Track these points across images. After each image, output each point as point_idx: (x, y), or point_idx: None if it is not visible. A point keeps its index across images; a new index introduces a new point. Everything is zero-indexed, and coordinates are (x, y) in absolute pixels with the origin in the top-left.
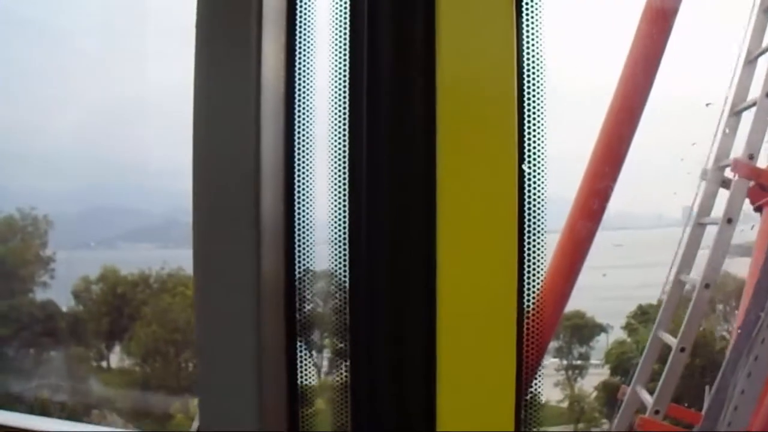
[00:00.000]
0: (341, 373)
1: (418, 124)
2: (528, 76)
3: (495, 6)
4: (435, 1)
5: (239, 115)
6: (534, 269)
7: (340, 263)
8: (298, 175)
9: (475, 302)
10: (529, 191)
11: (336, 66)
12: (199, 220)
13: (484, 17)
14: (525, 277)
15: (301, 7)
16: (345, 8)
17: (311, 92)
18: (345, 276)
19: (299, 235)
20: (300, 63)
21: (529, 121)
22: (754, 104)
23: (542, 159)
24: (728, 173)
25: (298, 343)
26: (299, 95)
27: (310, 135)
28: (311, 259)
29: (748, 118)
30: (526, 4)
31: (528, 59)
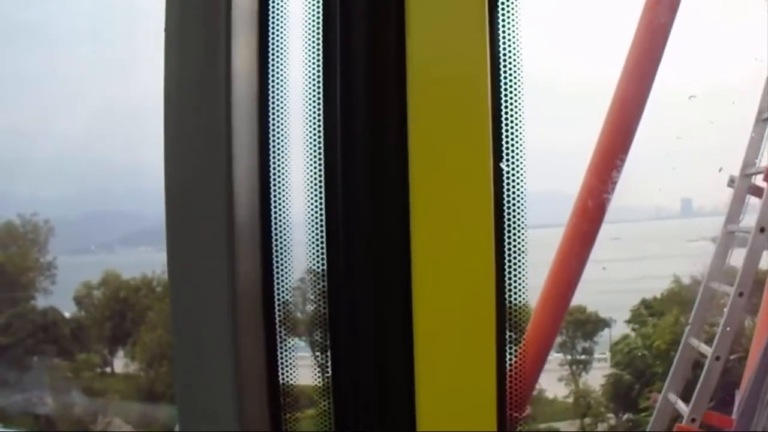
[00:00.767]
0: (323, 374)
1: (392, 122)
2: (504, 71)
3: (466, 2)
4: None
5: (210, 117)
6: (513, 267)
7: (318, 263)
8: (274, 176)
9: (451, 301)
10: (507, 188)
11: (309, 66)
12: (172, 223)
13: (456, 13)
14: (504, 276)
15: (273, 7)
16: (318, 8)
17: (285, 93)
18: (323, 276)
19: (276, 235)
20: (273, 64)
21: (505, 117)
22: None
23: (520, 156)
24: (758, 181)
25: (279, 345)
26: (273, 96)
27: (285, 135)
28: (289, 260)
29: None
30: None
31: (504, 54)
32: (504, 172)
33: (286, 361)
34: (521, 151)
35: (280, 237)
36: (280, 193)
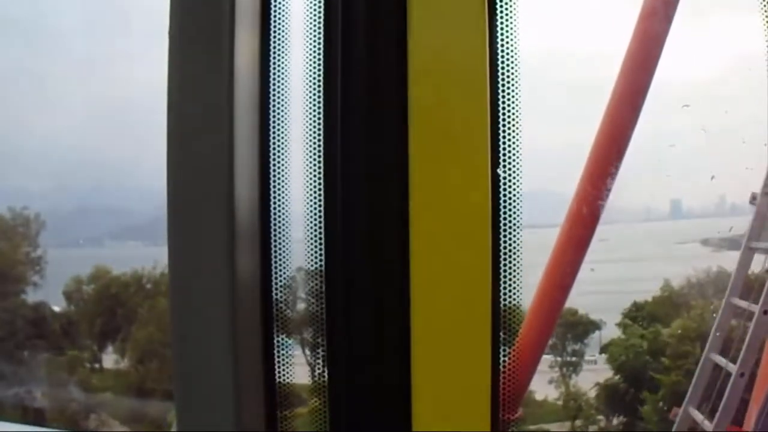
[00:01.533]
0: (320, 374)
1: (392, 122)
2: (502, 73)
3: (466, 4)
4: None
5: (212, 114)
6: (508, 269)
7: (316, 262)
8: (274, 175)
9: (447, 302)
10: (504, 190)
11: (311, 63)
12: (173, 219)
13: (456, 15)
14: (499, 277)
15: (275, 4)
16: (319, 5)
17: (286, 90)
18: (321, 275)
19: (275, 233)
20: (275, 61)
21: (503, 120)
22: None
23: (517, 158)
24: None
25: (276, 345)
26: (274, 93)
27: (286, 133)
28: (288, 259)
29: None
30: (500, 2)
31: (502, 50)
32: (501, 176)
33: (283, 360)
34: (518, 153)
35: (279, 236)
36: (279, 192)
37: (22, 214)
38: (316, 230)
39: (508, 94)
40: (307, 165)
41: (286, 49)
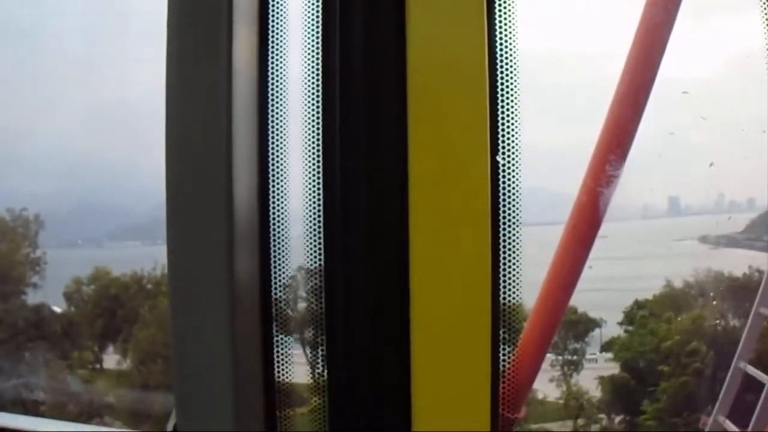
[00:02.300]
0: (319, 373)
1: (391, 117)
2: (501, 68)
3: (465, 1)
4: None
5: (211, 113)
6: (509, 267)
7: (315, 260)
8: (273, 173)
9: (447, 300)
10: (503, 183)
11: (309, 62)
12: (172, 219)
13: (454, 11)
14: (499, 275)
15: (273, 5)
16: (317, 5)
17: (285, 89)
18: (321, 273)
19: (275, 231)
20: (273, 60)
21: (502, 112)
22: None
23: (517, 150)
24: None
25: (275, 344)
26: (273, 92)
27: (284, 130)
28: (287, 257)
29: None
30: None
31: (501, 49)
32: (500, 170)
33: (283, 359)
34: (517, 150)
35: (279, 235)
36: (278, 190)
37: (21, 215)
38: (315, 228)
39: (508, 90)
40: (306, 163)
41: (284, 48)
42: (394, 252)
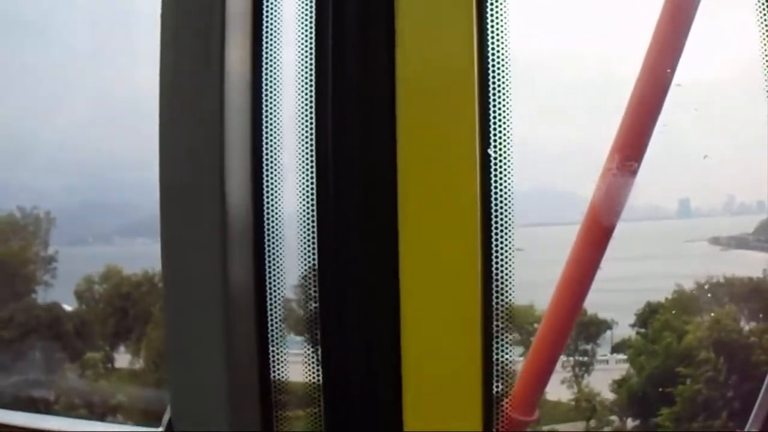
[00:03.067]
0: (315, 374)
1: (383, 120)
2: (492, 64)
3: (454, 7)
4: None
5: (203, 117)
6: (501, 264)
7: (310, 262)
8: (267, 175)
9: (437, 298)
10: (496, 182)
11: (302, 66)
12: (166, 222)
13: (444, 16)
14: (492, 273)
15: (267, 9)
16: (311, 9)
17: (278, 92)
18: (315, 275)
19: (269, 232)
20: (267, 64)
21: (493, 109)
22: None
23: (508, 147)
24: None
25: (271, 344)
26: (266, 96)
27: (278, 134)
28: (282, 259)
29: None
30: None
31: (492, 42)
32: (491, 166)
33: (278, 360)
34: (509, 141)
35: (273, 236)
36: (272, 192)
37: (32, 213)
38: (309, 228)
39: (499, 89)
40: (300, 164)
41: (278, 52)
42: (387, 252)
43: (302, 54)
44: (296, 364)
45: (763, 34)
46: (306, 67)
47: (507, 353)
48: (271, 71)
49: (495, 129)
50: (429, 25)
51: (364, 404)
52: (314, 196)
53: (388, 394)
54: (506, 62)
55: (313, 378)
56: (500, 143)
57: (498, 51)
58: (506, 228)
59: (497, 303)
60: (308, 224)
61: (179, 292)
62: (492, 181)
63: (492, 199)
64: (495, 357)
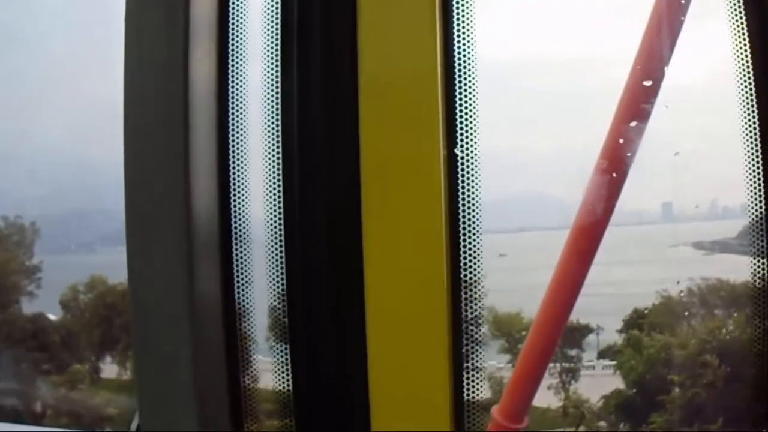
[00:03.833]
0: (284, 376)
1: (348, 124)
2: (459, 69)
3: (417, 17)
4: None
5: (168, 127)
6: (469, 265)
7: (277, 266)
8: (234, 183)
9: (402, 300)
10: (462, 184)
11: (268, 75)
12: (131, 229)
13: (406, 24)
14: (459, 275)
15: (233, 18)
16: (276, 17)
17: (244, 100)
18: (282, 280)
19: (236, 237)
20: (233, 69)
21: (460, 112)
22: None
23: (475, 150)
24: None
25: (240, 346)
26: (232, 101)
27: (244, 140)
28: (249, 264)
29: None
30: None
31: (458, 47)
32: (458, 170)
33: (248, 361)
34: (476, 147)
35: (240, 241)
36: (239, 201)
37: (15, 223)
38: (276, 233)
39: (466, 96)
40: (266, 171)
41: (243, 60)
42: (353, 256)
43: (268, 60)
44: (266, 364)
45: (739, 36)
46: (272, 73)
47: (477, 355)
48: (236, 78)
49: (461, 131)
50: (391, 28)
51: (333, 405)
52: (281, 202)
53: (356, 395)
54: (473, 66)
55: (283, 380)
56: (467, 146)
57: (465, 55)
58: (473, 231)
59: (466, 305)
60: (275, 229)
61: (146, 300)
62: (459, 184)
63: (459, 202)
64: (464, 359)
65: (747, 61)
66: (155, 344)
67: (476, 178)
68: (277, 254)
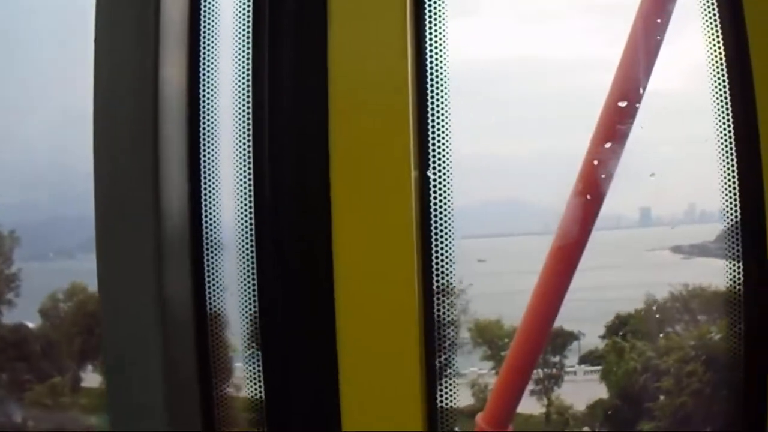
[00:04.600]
0: (256, 375)
1: (320, 127)
2: (431, 81)
3: (387, 23)
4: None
5: (138, 131)
6: (440, 270)
7: (249, 270)
8: (205, 188)
9: (372, 303)
10: (434, 193)
11: (239, 79)
12: (101, 233)
13: (378, 21)
14: (431, 279)
15: (204, 22)
16: (248, 21)
17: (216, 101)
18: (254, 281)
19: (207, 241)
20: (204, 75)
21: (432, 124)
22: None
23: (447, 161)
24: None
25: (212, 347)
26: (204, 104)
27: (216, 143)
28: (220, 268)
29: None
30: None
31: (430, 62)
32: (431, 182)
33: (220, 368)
34: (448, 155)
35: (211, 246)
36: (210, 205)
37: None
38: (247, 235)
39: (438, 104)
40: (238, 176)
41: (214, 66)
42: (325, 261)
43: (239, 64)
44: (239, 368)
45: (712, 41)
46: (243, 78)
47: (451, 358)
48: (207, 80)
49: (433, 137)
50: (363, 30)
51: (305, 408)
52: (252, 206)
53: (328, 398)
54: (446, 76)
55: (256, 383)
56: (439, 154)
57: (437, 65)
58: (446, 236)
59: (439, 308)
60: (246, 233)
61: (116, 303)
62: (431, 189)
63: (431, 207)
64: (438, 362)
65: (722, 67)
66: (126, 349)
67: (449, 182)
68: (248, 258)
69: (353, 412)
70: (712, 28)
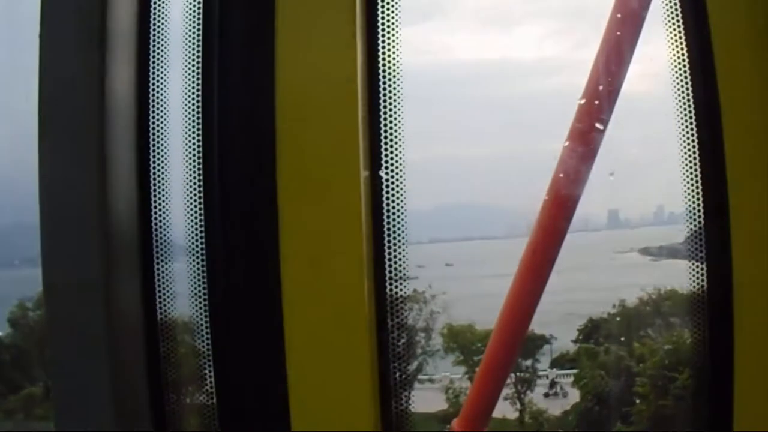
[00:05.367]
0: (208, 374)
1: (268, 133)
2: (384, 87)
3: (337, 30)
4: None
5: (84, 130)
6: (393, 272)
7: (198, 274)
8: (154, 191)
9: (318, 302)
10: (387, 197)
11: (188, 84)
12: (46, 233)
13: (326, 27)
14: (383, 279)
15: (154, 25)
16: (198, 27)
17: (165, 106)
18: (204, 285)
19: (156, 243)
20: (153, 79)
21: (385, 130)
22: None
23: (400, 164)
24: None
25: (162, 348)
26: (153, 110)
27: (165, 148)
28: (169, 272)
29: None
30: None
31: (383, 71)
32: (383, 185)
33: (171, 368)
34: (400, 158)
35: (161, 252)
36: (159, 211)
37: None
38: (197, 243)
39: (390, 108)
40: (187, 179)
41: (165, 71)
42: (273, 261)
43: (188, 69)
44: (190, 370)
45: (675, 43)
46: (192, 82)
47: (403, 358)
48: (157, 86)
49: (385, 143)
50: (310, 36)
51: (254, 404)
52: (202, 211)
53: (277, 399)
54: (398, 79)
55: (206, 383)
56: (391, 155)
57: (389, 68)
58: (398, 241)
59: (391, 310)
60: (196, 239)
61: (62, 307)
62: (382, 195)
63: (383, 213)
64: (389, 362)
65: (685, 70)
66: (72, 354)
67: (400, 188)
68: (198, 261)
69: (302, 412)
70: (675, 30)
